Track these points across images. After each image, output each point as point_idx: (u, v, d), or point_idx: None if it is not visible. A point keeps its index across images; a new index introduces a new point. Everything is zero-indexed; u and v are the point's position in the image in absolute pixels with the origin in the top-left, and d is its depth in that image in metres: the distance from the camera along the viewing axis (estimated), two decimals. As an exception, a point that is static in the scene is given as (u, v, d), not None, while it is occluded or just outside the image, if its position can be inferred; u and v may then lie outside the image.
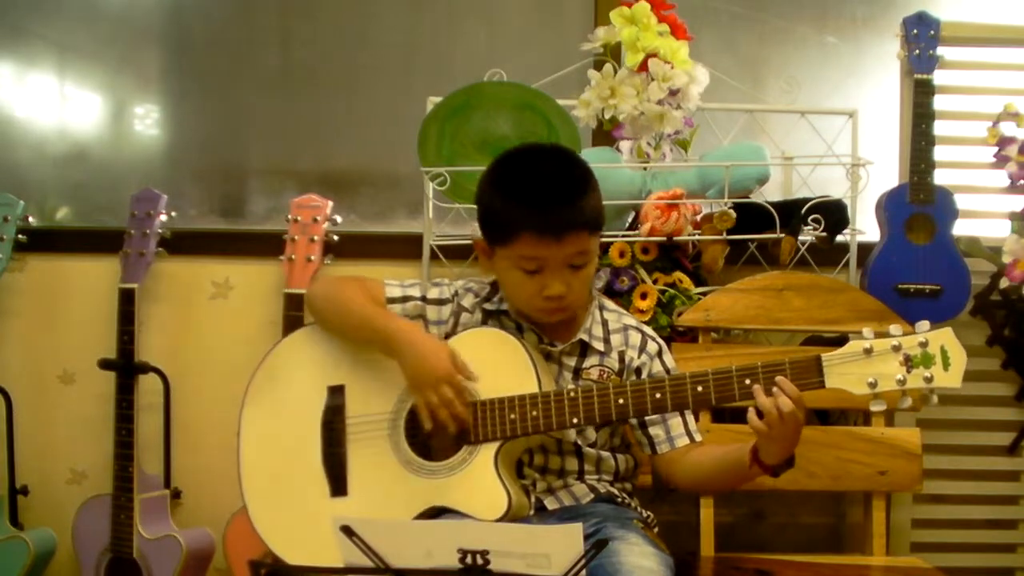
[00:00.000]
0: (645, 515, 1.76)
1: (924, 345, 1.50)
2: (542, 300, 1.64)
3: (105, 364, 2.33)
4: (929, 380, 1.50)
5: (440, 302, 1.78)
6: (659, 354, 1.78)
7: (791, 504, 2.46)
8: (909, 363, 1.50)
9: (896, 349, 1.51)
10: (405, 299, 1.77)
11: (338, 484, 1.69)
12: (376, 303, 1.75)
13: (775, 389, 1.52)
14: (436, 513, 1.62)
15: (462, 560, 1.27)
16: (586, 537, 1.26)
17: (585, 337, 1.73)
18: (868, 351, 1.51)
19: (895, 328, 1.53)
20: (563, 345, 1.73)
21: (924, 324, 1.52)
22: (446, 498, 1.62)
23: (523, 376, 1.63)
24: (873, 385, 1.51)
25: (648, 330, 1.81)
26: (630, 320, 1.81)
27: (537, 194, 1.61)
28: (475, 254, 2.23)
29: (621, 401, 1.61)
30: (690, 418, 1.74)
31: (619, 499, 1.74)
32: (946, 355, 1.50)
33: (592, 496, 1.72)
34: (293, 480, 1.71)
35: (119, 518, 2.28)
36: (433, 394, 1.60)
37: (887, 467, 2.08)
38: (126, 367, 2.31)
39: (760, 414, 1.52)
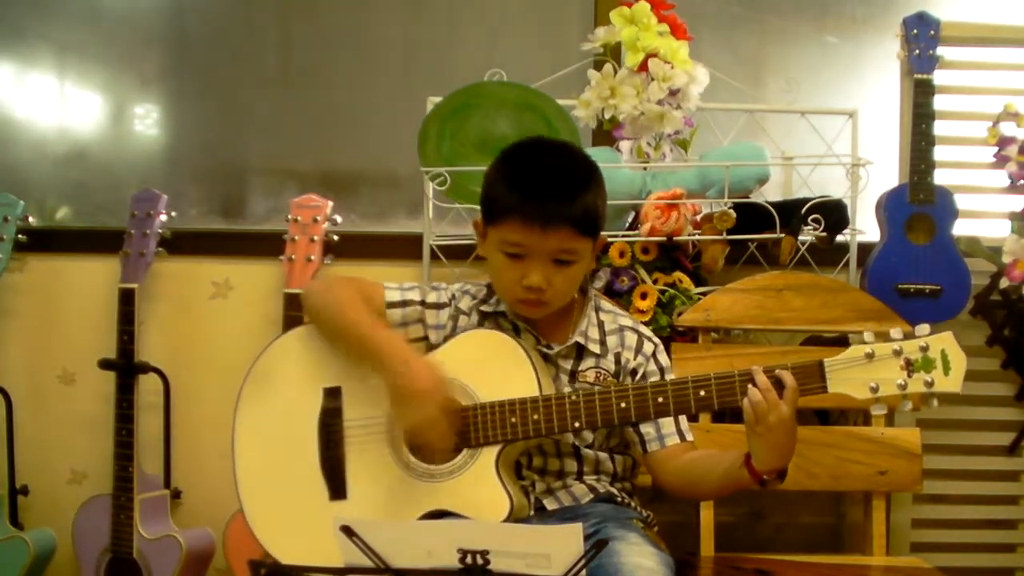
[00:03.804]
0: (645, 514, 1.76)
1: (925, 349, 1.51)
2: (521, 289, 1.63)
3: (105, 364, 2.33)
4: (930, 384, 1.50)
5: (438, 306, 1.76)
6: (654, 354, 1.76)
7: (791, 504, 2.46)
8: (910, 367, 1.51)
9: (897, 353, 1.51)
10: (405, 303, 1.76)
11: (337, 488, 1.67)
12: (372, 307, 1.73)
13: (761, 384, 1.51)
14: (437, 517, 1.60)
15: (462, 560, 1.27)
16: (586, 537, 1.25)
17: (581, 340, 1.72)
18: (870, 356, 1.51)
19: (896, 331, 1.53)
20: (560, 347, 1.72)
21: (924, 328, 1.52)
22: (447, 502, 1.61)
23: (523, 378, 1.62)
24: (875, 390, 1.51)
25: (644, 329, 1.79)
26: (626, 320, 1.79)
27: (531, 182, 1.61)
28: (475, 253, 2.24)
29: (623, 405, 1.60)
30: (682, 417, 1.72)
31: (619, 499, 1.73)
32: (947, 359, 1.50)
33: (591, 496, 1.71)
34: (291, 484, 1.69)
35: (119, 518, 2.29)
36: (418, 413, 1.57)
37: (887, 467, 2.08)
38: (126, 367, 2.31)
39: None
